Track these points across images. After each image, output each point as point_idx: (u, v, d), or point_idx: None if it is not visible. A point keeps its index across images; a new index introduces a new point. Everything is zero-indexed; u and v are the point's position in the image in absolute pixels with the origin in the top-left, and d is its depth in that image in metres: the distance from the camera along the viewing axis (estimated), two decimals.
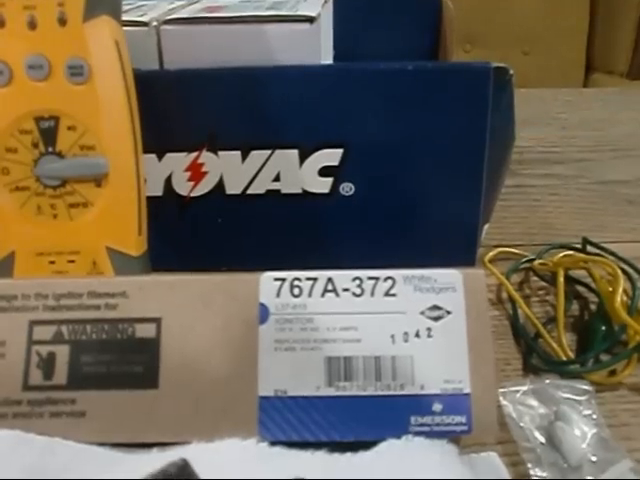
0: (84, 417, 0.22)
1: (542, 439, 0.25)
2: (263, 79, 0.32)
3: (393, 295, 0.23)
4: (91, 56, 0.27)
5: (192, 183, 0.34)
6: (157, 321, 0.23)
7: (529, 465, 0.24)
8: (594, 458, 0.24)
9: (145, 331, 0.23)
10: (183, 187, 0.34)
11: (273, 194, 0.34)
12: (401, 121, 0.33)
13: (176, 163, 0.34)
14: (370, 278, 0.23)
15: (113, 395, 0.22)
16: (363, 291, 0.23)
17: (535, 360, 0.30)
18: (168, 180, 0.34)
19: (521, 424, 0.26)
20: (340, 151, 0.33)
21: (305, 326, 0.23)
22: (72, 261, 0.29)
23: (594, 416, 0.26)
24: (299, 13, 0.32)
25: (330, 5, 0.37)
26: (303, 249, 0.35)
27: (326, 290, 0.23)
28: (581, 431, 0.25)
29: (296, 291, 0.23)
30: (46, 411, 0.22)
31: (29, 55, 0.27)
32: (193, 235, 0.35)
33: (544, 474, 0.24)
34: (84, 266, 0.29)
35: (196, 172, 0.34)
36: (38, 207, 0.28)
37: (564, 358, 0.30)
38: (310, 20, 0.32)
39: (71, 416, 0.22)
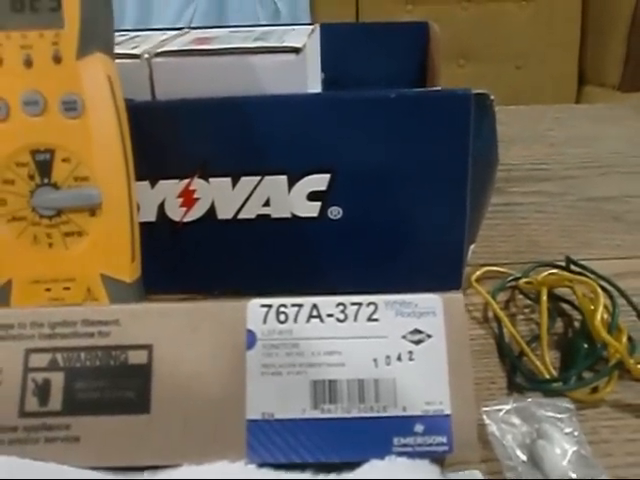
0: (78, 442, 0.23)
1: (524, 457, 0.26)
2: (252, 108, 0.33)
3: (375, 320, 0.24)
4: (84, 91, 0.28)
5: (184, 209, 0.35)
6: (149, 348, 0.24)
7: None
8: (574, 475, 0.25)
9: (137, 358, 0.24)
10: (176, 213, 0.35)
11: (263, 219, 0.35)
12: (386, 147, 0.34)
13: (169, 190, 0.35)
14: (353, 304, 0.24)
15: (106, 420, 0.23)
16: (346, 316, 0.24)
17: (519, 379, 0.31)
18: (161, 206, 0.35)
19: (504, 442, 0.27)
20: (327, 176, 0.34)
21: (291, 351, 0.23)
22: (67, 288, 0.30)
23: (575, 433, 0.27)
24: (285, 44, 0.33)
25: (317, 34, 0.38)
26: (293, 272, 0.36)
27: (311, 316, 0.24)
28: (562, 449, 0.26)
29: (282, 317, 0.24)
30: (42, 437, 0.23)
31: (25, 91, 0.28)
32: (186, 259, 0.36)
33: None
34: (79, 293, 0.30)
35: (188, 198, 0.35)
36: (34, 236, 0.29)
37: (547, 376, 0.31)
38: (296, 51, 0.33)
39: (66, 441, 0.23)
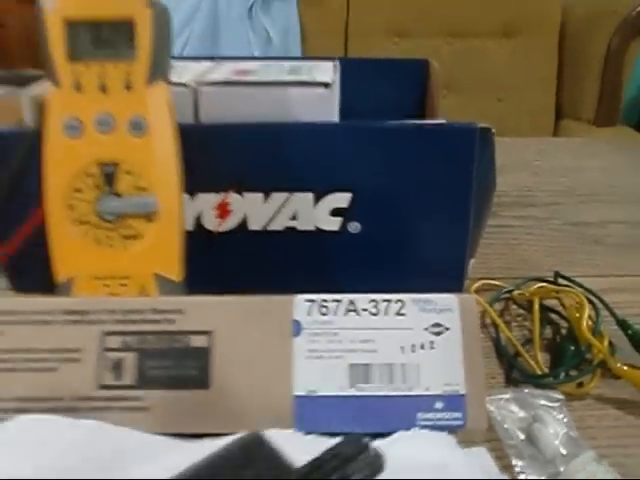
0: (148, 411, 0.27)
1: (522, 437, 0.31)
2: (284, 133, 0.37)
3: (403, 314, 0.28)
4: (149, 114, 0.32)
5: (219, 220, 0.39)
6: (208, 333, 0.28)
7: (512, 458, 0.30)
8: (564, 452, 0.29)
9: (198, 341, 0.28)
10: (212, 223, 0.39)
11: (290, 231, 0.39)
12: (401, 170, 0.38)
13: (206, 202, 0.39)
14: (384, 300, 0.29)
15: (172, 394, 0.27)
16: (378, 311, 0.28)
17: (515, 374, 0.36)
18: (198, 217, 0.39)
19: (505, 425, 0.31)
20: (349, 195, 0.38)
21: (331, 339, 0.28)
22: (124, 285, 0.33)
23: (565, 420, 0.32)
24: (317, 80, 0.38)
25: (338, 69, 0.43)
26: (315, 278, 0.40)
27: (348, 310, 0.28)
28: (554, 431, 0.30)
29: (324, 310, 0.28)
30: (116, 406, 0.27)
31: (99, 113, 0.32)
32: (219, 265, 0.40)
33: (524, 464, 0.29)
34: (134, 289, 0.34)
35: (223, 210, 0.39)
36: (97, 238, 0.33)
37: (540, 372, 0.35)
38: (326, 85, 0.38)
39: (137, 410, 0.27)
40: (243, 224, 0.39)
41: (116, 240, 0.33)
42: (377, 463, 0.17)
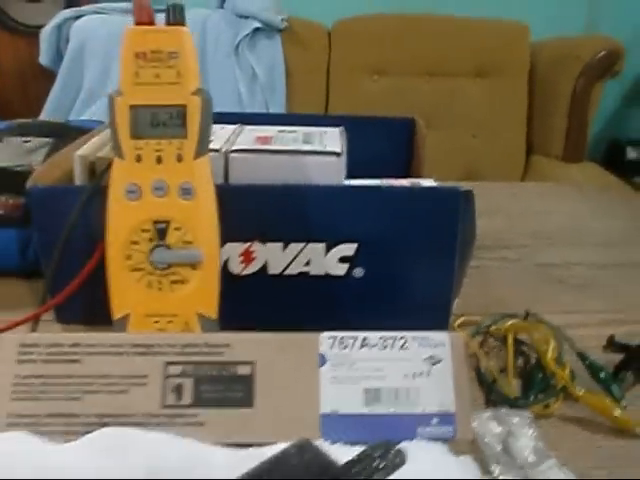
0: (203, 426, 0.34)
1: (499, 448, 0.38)
2: (301, 194, 0.45)
3: (405, 348, 0.36)
4: (196, 181, 0.40)
5: (244, 265, 0.46)
6: (251, 363, 0.35)
7: (491, 465, 0.37)
8: (533, 459, 0.37)
9: (243, 370, 0.35)
10: (237, 267, 0.46)
11: (304, 275, 0.46)
12: (397, 225, 0.46)
13: (233, 250, 0.46)
14: (390, 337, 0.36)
15: (223, 412, 0.34)
16: (386, 345, 0.36)
17: (493, 397, 0.43)
18: (226, 262, 0.46)
19: (485, 439, 0.38)
20: (355, 245, 0.46)
21: (350, 368, 0.35)
22: (171, 322, 0.40)
23: (534, 434, 0.39)
24: (328, 149, 0.45)
25: (344, 136, 0.51)
26: (324, 315, 0.47)
27: (362, 345, 0.35)
28: (525, 443, 0.38)
29: (343, 345, 0.35)
30: (178, 422, 0.34)
31: (155, 180, 0.39)
32: (242, 303, 0.47)
33: (501, 468, 0.36)
34: (179, 325, 0.40)
35: (247, 257, 0.46)
36: (149, 282, 0.40)
37: (513, 396, 0.43)
38: (337, 154, 0.45)
39: (194, 425, 0.34)
40: (264, 269, 0.46)
41: (165, 284, 0.40)
42: (400, 459, 0.24)
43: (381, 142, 0.68)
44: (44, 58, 1.75)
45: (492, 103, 1.83)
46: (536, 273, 0.63)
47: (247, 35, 1.73)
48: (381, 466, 0.23)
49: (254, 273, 0.46)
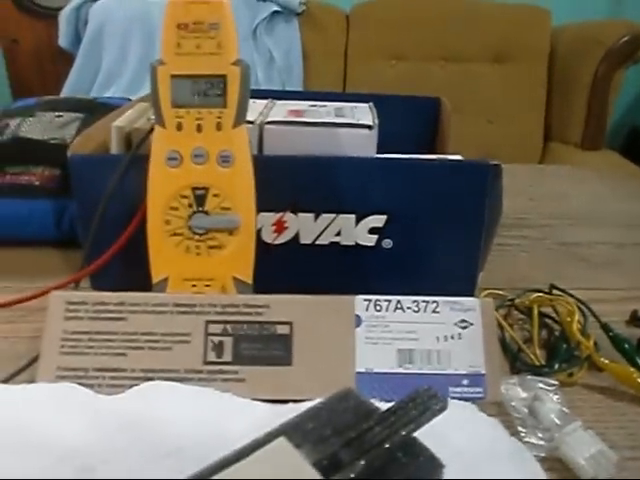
0: (244, 382, 0.35)
1: (526, 411, 0.39)
2: (333, 166, 0.46)
3: (437, 312, 0.37)
4: (234, 149, 0.41)
5: (276, 234, 0.47)
6: (290, 324, 0.36)
7: (518, 427, 0.38)
8: (558, 422, 0.38)
9: (282, 330, 0.36)
10: (269, 237, 0.47)
11: (334, 245, 0.48)
12: (427, 198, 0.47)
13: (266, 220, 0.47)
14: (423, 301, 0.37)
15: (262, 369, 0.35)
16: (419, 309, 0.37)
17: (518, 365, 0.44)
18: (259, 232, 0.47)
19: (512, 403, 0.40)
20: (384, 217, 0.47)
21: (384, 329, 0.36)
22: (208, 285, 0.42)
23: (558, 399, 0.40)
24: (361, 122, 0.46)
25: (375, 111, 0.52)
26: (353, 284, 0.48)
27: (396, 307, 0.37)
28: (550, 407, 0.39)
29: (378, 307, 0.37)
30: (219, 377, 0.35)
31: (195, 148, 0.40)
32: (275, 272, 0.48)
33: (527, 431, 0.37)
34: (216, 289, 0.42)
35: (280, 227, 0.47)
36: (187, 247, 0.42)
37: (538, 364, 0.44)
38: (369, 127, 0.46)
39: (235, 381, 0.35)
40: (296, 238, 0.47)
41: (203, 249, 0.42)
42: (443, 405, 0.25)
43: (406, 121, 0.68)
44: (63, 40, 1.77)
45: (510, 89, 1.83)
46: (559, 251, 0.64)
47: (265, 18, 1.74)
48: (424, 410, 0.24)
49: (286, 242, 0.48)
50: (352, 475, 0.22)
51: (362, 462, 0.22)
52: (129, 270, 0.44)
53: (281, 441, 0.23)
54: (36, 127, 0.65)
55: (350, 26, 1.81)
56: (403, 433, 0.24)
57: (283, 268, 0.48)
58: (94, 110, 0.66)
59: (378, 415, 0.25)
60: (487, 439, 0.33)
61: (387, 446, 0.23)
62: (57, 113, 0.67)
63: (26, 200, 0.58)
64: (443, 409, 0.25)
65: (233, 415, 0.33)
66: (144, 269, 0.43)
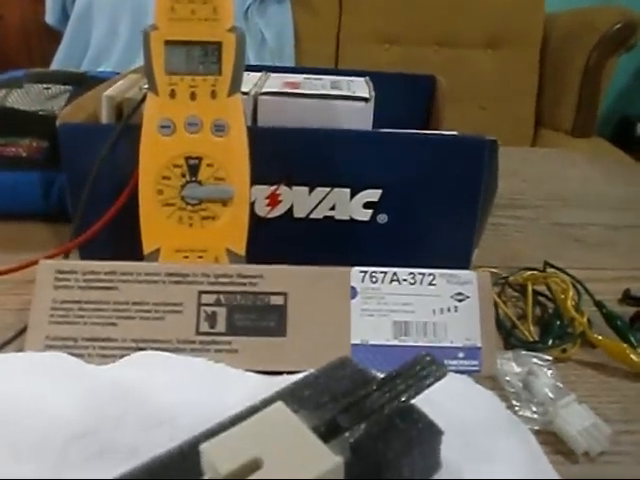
0: (237, 353, 0.35)
1: (520, 385, 0.39)
2: (329, 138, 0.45)
3: (434, 284, 0.36)
4: (229, 118, 0.40)
5: (269, 208, 0.47)
6: (284, 294, 0.36)
7: (513, 401, 0.38)
8: (552, 396, 0.38)
9: (276, 300, 0.35)
10: (262, 210, 0.47)
11: (329, 219, 0.47)
12: (422, 173, 0.46)
13: (260, 192, 0.46)
14: (419, 273, 0.37)
15: (256, 340, 0.35)
16: (415, 281, 0.36)
17: (512, 341, 0.44)
18: (252, 204, 0.47)
19: (506, 377, 0.39)
20: (379, 191, 0.46)
21: (380, 301, 0.36)
22: (201, 257, 0.41)
23: (552, 374, 0.40)
24: (357, 94, 0.46)
25: (371, 85, 0.51)
26: (347, 259, 0.47)
27: (392, 279, 0.36)
28: (544, 381, 0.39)
29: (374, 279, 0.36)
30: (212, 348, 0.35)
31: (188, 116, 0.39)
32: (268, 246, 0.48)
33: (522, 404, 0.37)
34: (209, 261, 0.41)
35: (274, 200, 0.47)
36: (180, 218, 0.41)
37: (532, 340, 0.44)
38: (366, 100, 0.45)
39: (228, 352, 0.35)
40: (289, 212, 0.47)
41: (196, 220, 0.41)
42: (442, 371, 0.25)
43: (401, 99, 0.67)
44: (49, 17, 1.73)
45: (502, 75, 1.82)
46: (552, 231, 0.64)
47: (256, 0, 1.71)
48: (424, 377, 0.24)
49: (280, 216, 0.47)
50: (351, 440, 0.21)
51: (361, 428, 0.22)
52: (120, 241, 0.43)
53: (279, 405, 0.22)
54: (24, 99, 0.63)
55: (343, 9, 1.79)
56: (402, 399, 0.23)
57: (276, 242, 0.48)
58: (84, 83, 0.65)
59: (376, 382, 0.25)
60: (483, 410, 0.32)
61: (386, 412, 0.23)
62: (45, 85, 0.66)
63: (13, 172, 0.57)
64: (443, 376, 0.25)
65: (226, 385, 0.32)
66: (135, 240, 0.42)
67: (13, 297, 0.45)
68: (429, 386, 0.24)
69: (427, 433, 0.24)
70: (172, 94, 0.39)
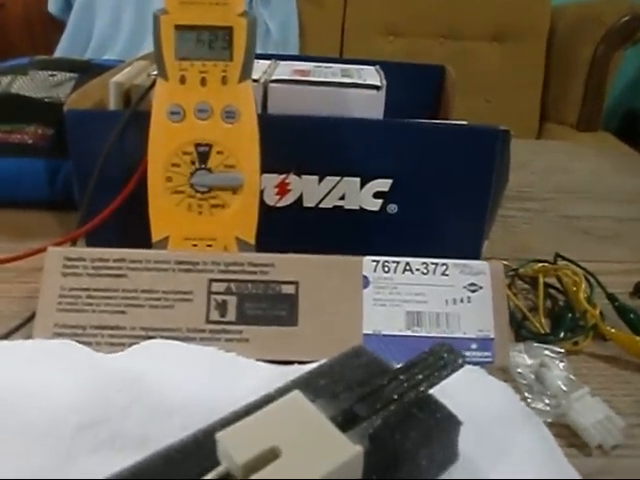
0: (248, 342, 0.34)
1: (532, 378, 0.38)
2: (339, 127, 0.45)
3: (447, 275, 0.36)
4: (240, 105, 0.39)
5: (279, 197, 0.46)
6: (296, 283, 0.35)
7: (525, 393, 0.37)
8: (565, 388, 0.37)
9: (287, 289, 0.35)
10: (272, 199, 0.46)
11: (338, 209, 0.46)
12: (434, 163, 0.46)
13: (269, 181, 0.46)
14: (432, 263, 0.36)
15: (267, 329, 0.34)
16: (428, 271, 0.36)
17: (523, 333, 0.43)
18: (261, 193, 0.46)
19: (518, 370, 0.39)
20: (390, 181, 0.46)
21: (392, 291, 0.35)
22: (210, 245, 0.40)
23: (564, 367, 0.39)
24: (368, 82, 0.45)
25: (382, 74, 0.50)
26: (356, 249, 0.47)
27: (405, 269, 0.36)
28: (557, 373, 0.38)
29: (386, 269, 0.36)
30: (222, 337, 0.34)
31: (198, 103, 0.39)
32: (277, 235, 0.47)
33: (534, 397, 0.37)
34: (218, 249, 0.40)
35: (283, 189, 0.46)
36: (189, 206, 0.40)
37: (543, 332, 0.43)
38: (377, 88, 0.45)
39: (239, 341, 0.34)
40: (299, 201, 0.46)
41: (205, 208, 0.40)
42: (461, 361, 0.24)
43: (409, 90, 0.67)
44: (52, 6, 1.72)
45: (508, 68, 1.81)
46: (561, 224, 0.63)
47: None
48: (442, 366, 0.24)
49: (289, 205, 0.46)
50: (370, 431, 0.21)
51: (378, 417, 0.22)
52: (127, 229, 0.42)
53: (296, 394, 0.22)
54: (29, 85, 0.63)
55: (347, 0, 1.78)
56: (421, 389, 0.23)
57: (285, 231, 0.47)
58: (89, 70, 0.64)
59: (392, 371, 0.25)
60: (498, 402, 0.32)
61: (404, 402, 0.22)
62: (51, 72, 0.65)
63: (18, 159, 0.57)
64: (461, 366, 0.24)
65: (238, 375, 0.32)
66: (143, 228, 0.41)
67: (19, 285, 0.45)
68: (447, 376, 0.24)
69: (446, 423, 0.23)
70: (182, 80, 0.39)
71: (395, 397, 0.22)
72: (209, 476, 0.20)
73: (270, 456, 0.20)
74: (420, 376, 0.24)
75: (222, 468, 0.20)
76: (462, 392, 0.32)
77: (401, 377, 0.24)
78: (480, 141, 0.45)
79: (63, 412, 0.29)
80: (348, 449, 0.20)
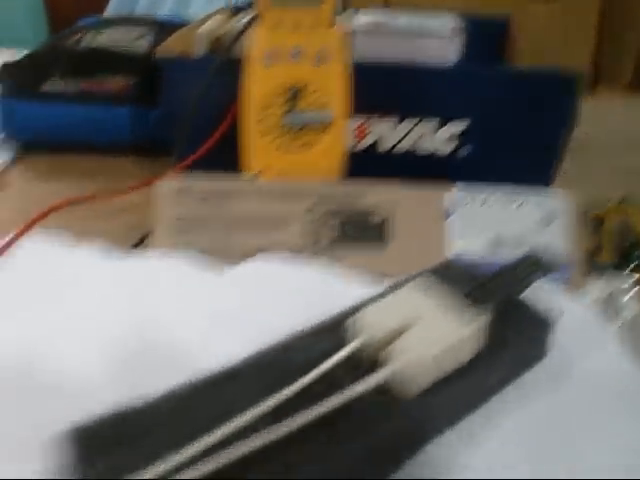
0: (341, 265, 0.37)
1: (604, 305, 0.41)
2: (418, 72, 0.47)
3: (524, 206, 0.39)
4: (330, 48, 0.42)
5: (357, 140, 0.49)
6: (385, 211, 0.38)
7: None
8: (637, 312, 0.40)
9: (377, 217, 0.38)
10: (349, 143, 0.49)
11: (410, 154, 0.49)
12: (507, 107, 0.48)
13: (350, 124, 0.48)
14: (510, 195, 0.39)
15: (359, 254, 0.37)
16: (507, 203, 0.38)
17: (593, 265, 0.46)
18: None
19: (590, 297, 0.41)
20: (464, 124, 0.48)
21: (473, 221, 0.38)
22: None
23: (633, 296, 0.42)
24: (445, 28, 0.47)
25: (458, 22, 0.52)
26: None
27: (484, 202, 0.38)
28: (628, 302, 0.41)
29: (466, 201, 0.38)
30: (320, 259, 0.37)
31: (292, 46, 0.42)
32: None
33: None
34: None
35: (361, 132, 0.49)
36: (280, 144, 0.43)
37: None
38: (452, 36, 0.47)
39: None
40: (374, 146, 0.49)
41: (295, 147, 0.43)
42: (553, 265, 0.27)
43: (474, 39, 0.68)
44: None
45: (558, 28, 1.78)
46: (623, 174, 0.64)
47: None
48: (535, 269, 0.27)
49: (364, 150, 0.49)
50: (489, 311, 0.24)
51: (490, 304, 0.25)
52: (218, 170, 0.46)
53: (427, 275, 0.25)
54: (110, 38, 0.66)
55: None
56: (518, 288, 0.26)
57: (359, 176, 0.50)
58: (162, 26, 0.68)
59: (488, 275, 0.27)
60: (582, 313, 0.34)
61: (502, 298, 0.26)
62: (127, 28, 0.69)
63: (103, 106, 0.60)
64: (554, 269, 0.27)
65: (331, 289, 0.35)
66: (234, 169, 0.45)
67: (124, 219, 0.48)
68: (543, 276, 0.27)
69: (539, 320, 0.26)
70: (277, 25, 0.41)
71: (497, 292, 0.25)
72: (344, 352, 0.23)
73: (404, 329, 0.23)
74: (513, 279, 0.27)
75: (356, 343, 0.23)
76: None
77: (496, 280, 0.27)
78: (557, 84, 0.47)
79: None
80: (479, 317, 0.23)
